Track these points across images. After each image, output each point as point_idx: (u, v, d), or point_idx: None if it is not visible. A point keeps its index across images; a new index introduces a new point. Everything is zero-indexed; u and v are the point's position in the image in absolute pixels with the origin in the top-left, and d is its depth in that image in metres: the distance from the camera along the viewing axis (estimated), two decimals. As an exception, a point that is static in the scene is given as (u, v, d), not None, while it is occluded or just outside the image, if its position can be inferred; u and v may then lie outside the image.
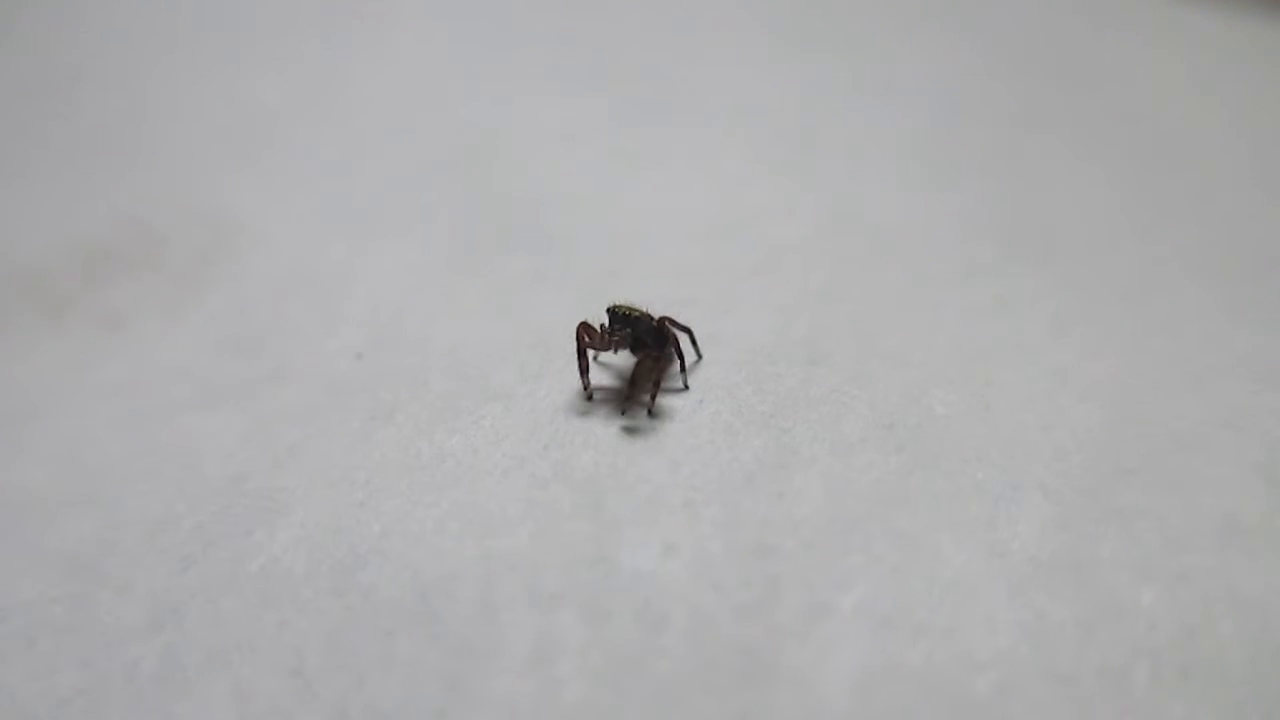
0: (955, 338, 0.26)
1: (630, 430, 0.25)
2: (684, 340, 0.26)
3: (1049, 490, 0.22)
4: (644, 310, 0.26)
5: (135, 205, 0.39)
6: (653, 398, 0.25)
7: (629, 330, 0.25)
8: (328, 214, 0.38)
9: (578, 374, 0.26)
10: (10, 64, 0.49)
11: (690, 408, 0.26)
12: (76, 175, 0.42)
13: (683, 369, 0.26)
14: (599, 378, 0.27)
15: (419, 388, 0.27)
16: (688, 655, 0.19)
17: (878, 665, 0.19)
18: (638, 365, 0.25)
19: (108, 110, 0.45)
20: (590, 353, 0.26)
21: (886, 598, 0.20)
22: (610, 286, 0.28)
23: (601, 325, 0.26)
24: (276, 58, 0.49)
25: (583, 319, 0.26)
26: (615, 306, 0.25)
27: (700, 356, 0.26)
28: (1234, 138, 0.34)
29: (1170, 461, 0.22)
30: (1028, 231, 0.30)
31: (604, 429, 0.25)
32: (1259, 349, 0.25)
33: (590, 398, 0.26)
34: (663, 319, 0.26)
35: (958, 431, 0.23)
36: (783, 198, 0.32)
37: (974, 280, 0.28)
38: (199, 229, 0.38)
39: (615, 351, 0.26)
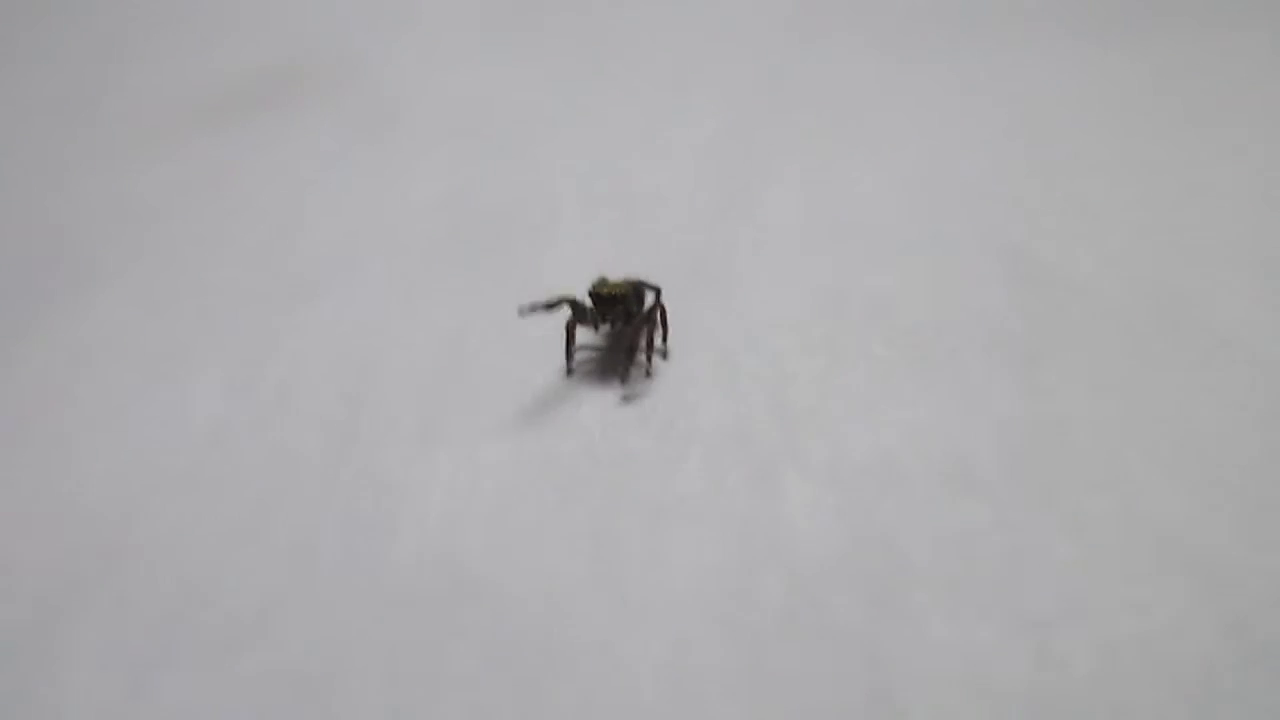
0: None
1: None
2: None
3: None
4: (623, 283, 0.26)
5: (284, 46, 0.56)
6: (649, 359, 0.27)
7: (620, 307, 0.26)
8: (435, 50, 0.53)
9: (565, 357, 0.27)
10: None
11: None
12: (245, 22, 0.59)
13: (665, 336, 0.27)
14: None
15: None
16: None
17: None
18: (634, 333, 0.26)
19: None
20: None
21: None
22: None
23: (589, 309, 0.26)
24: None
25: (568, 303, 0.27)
26: (598, 290, 0.26)
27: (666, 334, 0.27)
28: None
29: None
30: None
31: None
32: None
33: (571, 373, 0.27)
34: (638, 285, 0.26)
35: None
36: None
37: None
38: (332, 62, 0.53)
39: (596, 330, 0.27)
